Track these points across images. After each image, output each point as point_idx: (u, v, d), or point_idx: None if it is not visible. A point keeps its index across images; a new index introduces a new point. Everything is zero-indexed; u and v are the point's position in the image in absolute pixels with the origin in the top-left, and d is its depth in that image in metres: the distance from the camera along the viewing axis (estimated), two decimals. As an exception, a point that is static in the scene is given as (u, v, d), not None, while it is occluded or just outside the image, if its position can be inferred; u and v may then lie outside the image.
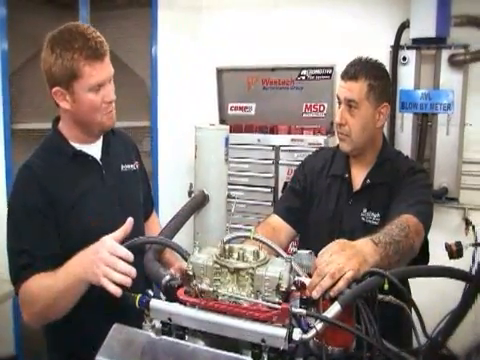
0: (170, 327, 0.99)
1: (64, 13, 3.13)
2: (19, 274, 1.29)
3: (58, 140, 1.43)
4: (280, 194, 3.17)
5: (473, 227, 2.91)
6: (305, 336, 0.93)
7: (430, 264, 1.55)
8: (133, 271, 1.10)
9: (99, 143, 1.48)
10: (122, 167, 1.53)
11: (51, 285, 1.21)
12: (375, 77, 1.56)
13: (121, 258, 1.11)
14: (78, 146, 1.43)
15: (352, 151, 1.62)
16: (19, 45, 2.88)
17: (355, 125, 1.56)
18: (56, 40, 1.31)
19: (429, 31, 2.71)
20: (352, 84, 1.54)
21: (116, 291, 1.07)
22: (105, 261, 1.10)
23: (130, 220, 1.17)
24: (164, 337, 0.97)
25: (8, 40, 2.75)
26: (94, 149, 1.46)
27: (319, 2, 3.19)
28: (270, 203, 3.23)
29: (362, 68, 1.56)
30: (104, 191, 1.44)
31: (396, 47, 2.87)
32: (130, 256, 1.11)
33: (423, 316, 1.02)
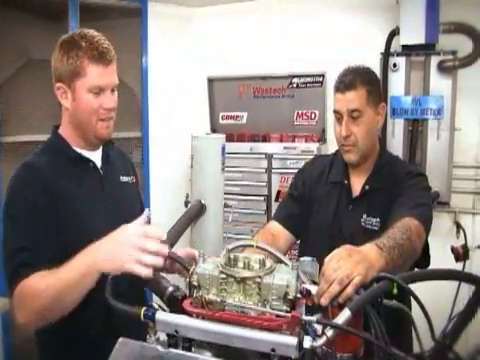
0: (176, 339, 0.97)
1: (53, 24, 3.10)
2: (17, 272, 1.21)
3: (59, 143, 1.42)
4: (274, 202, 3.17)
5: (464, 230, 2.94)
6: (316, 343, 0.92)
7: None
8: (165, 249, 1.08)
9: (99, 152, 1.47)
10: (121, 178, 1.53)
11: (58, 279, 1.15)
12: (369, 81, 1.58)
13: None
14: (79, 151, 1.42)
15: (359, 160, 1.62)
16: (7, 57, 2.84)
17: (360, 133, 1.57)
18: (66, 40, 1.36)
19: (418, 38, 2.74)
20: (351, 94, 1.55)
21: (149, 273, 1.05)
22: (136, 246, 1.06)
23: (147, 211, 1.16)
24: (171, 350, 0.95)
25: (-3, 52, 2.72)
26: (94, 156, 1.45)
27: (309, 10, 3.22)
28: (264, 211, 3.22)
29: (356, 76, 1.57)
30: (103, 199, 1.42)
31: (386, 54, 2.89)
32: (162, 234, 1.10)
33: (417, 317, 1.02)
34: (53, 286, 1.15)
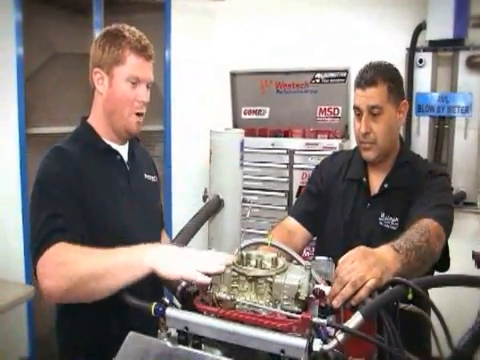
0: (186, 336, 0.96)
1: (79, 19, 3.15)
2: (51, 236, 1.16)
3: (88, 133, 1.42)
4: (295, 198, 3.15)
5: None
6: (326, 347, 0.90)
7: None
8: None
9: (126, 147, 1.48)
10: (145, 175, 1.53)
11: (103, 256, 1.08)
12: (391, 78, 1.54)
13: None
14: (108, 142, 1.43)
15: (377, 158, 1.58)
16: (34, 50, 2.90)
17: (380, 130, 1.52)
18: (110, 31, 1.39)
19: (446, 33, 2.66)
20: (372, 90, 1.51)
21: (206, 280, 0.98)
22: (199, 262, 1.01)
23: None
24: (180, 346, 0.94)
25: (23, 45, 2.77)
26: (122, 150, 1.46)
27: (333, 5, 3.15)
28: (285, 207, 3.20)
29: (377, 72, 1.53)
30: (128, 193, 1.42)
31: (412, 49, 2.82)
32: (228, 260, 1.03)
33: (436, 323, 0.99)
34: (95, 260, 1.08)
